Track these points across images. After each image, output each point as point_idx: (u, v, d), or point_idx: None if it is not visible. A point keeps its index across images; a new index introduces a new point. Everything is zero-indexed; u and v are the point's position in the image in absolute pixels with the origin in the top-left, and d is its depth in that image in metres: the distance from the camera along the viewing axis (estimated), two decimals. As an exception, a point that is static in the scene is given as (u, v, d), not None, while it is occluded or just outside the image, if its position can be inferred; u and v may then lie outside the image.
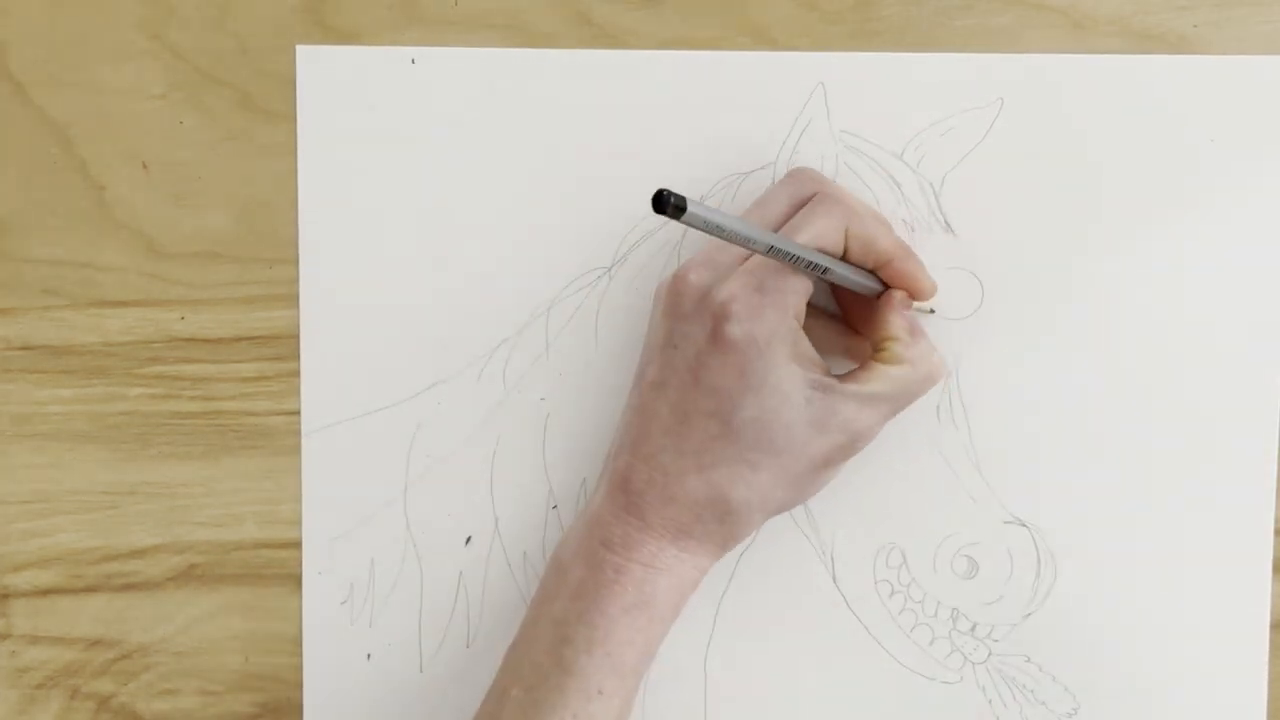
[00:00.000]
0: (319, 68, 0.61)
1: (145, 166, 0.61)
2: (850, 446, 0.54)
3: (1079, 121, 0.60)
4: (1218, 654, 0.61)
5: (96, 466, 0.62)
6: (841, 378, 0.54)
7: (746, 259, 0.54)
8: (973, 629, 0.61)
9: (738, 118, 0.60)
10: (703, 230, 0.47)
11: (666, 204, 0.45)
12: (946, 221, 0.60)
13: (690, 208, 0.46)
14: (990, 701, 0.61)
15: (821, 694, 0.62)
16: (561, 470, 0.61)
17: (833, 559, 0.61)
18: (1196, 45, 0.60)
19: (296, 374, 0.62)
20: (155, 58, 0.61)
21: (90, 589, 0.63)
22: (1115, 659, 0.61)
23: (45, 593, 0.63)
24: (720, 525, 0.54)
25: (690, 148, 0.60)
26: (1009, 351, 0.61)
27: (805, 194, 0.56)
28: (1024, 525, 0.61)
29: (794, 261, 0.52)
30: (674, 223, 0.60)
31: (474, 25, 0.61)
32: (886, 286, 0.57)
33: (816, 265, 0.53)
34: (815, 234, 0.53)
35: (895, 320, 0.56)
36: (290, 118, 0.61)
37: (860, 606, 0.61)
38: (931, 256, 0.59)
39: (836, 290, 0.59)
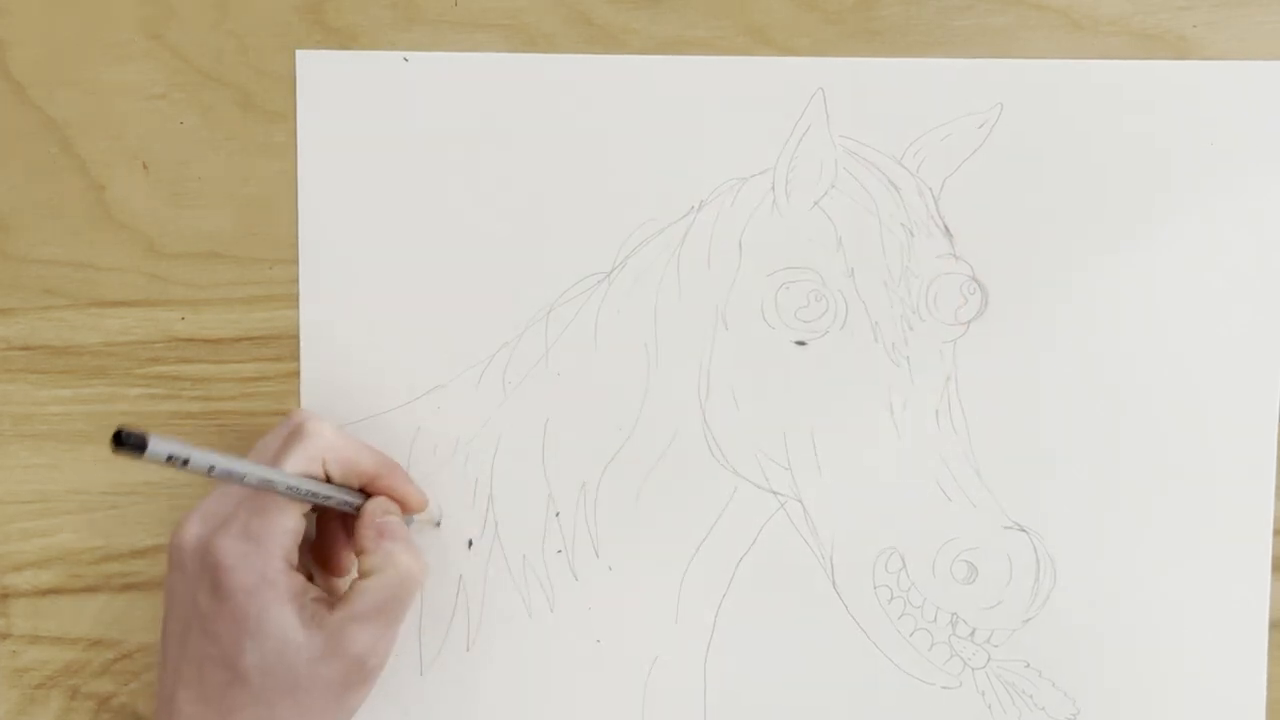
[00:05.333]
0: (319, 72, 0.60)
1: (145, 166, 0.61)
2: (361, 669, 0.54)
3: (1079, 126, 0.60)
4: (1217, 654, 0.61)
5: (96, 466, 0.62)
6: (332, 607, 0.54)
7: (243, 502, 0.55)
8: (972, 634, 0.61)
9: (737, 122, 0.60)
10: (173, 467, 0.47)
11: (125, 442, 0.43)
12: (946, 226, 0.60)
13: (152, 445, 0.44)
14: (990, 706, 0.61)
15: (820, 698, 0.62)
16: (561, 474, 0.61)
17: (832, 563, 0.61)
18: (1196, 45, 0.60)
19: (296, 374, 0.62)
20: (155, 58, 0.61)
21: (90, 589, 0.63)
22: (1114, 663, 0.61)
23: (45, 593, 0.63)
24: None
25: (690, 152, 0.60)
26: (1008, 356, 0.61)
27: (292, 433, 0.57)
28: (1023, 530, 0.61)
29: (282, 491, 0.53)
30: (674, 226, 0.61)
31: (474, 26, 0.61)
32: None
33: (302, 491, 0.54)
34: (294, 463, 0.55)
35: (362, 532, 0.56)
36: (290, 118, 0.61)
37: (859, 611, 0.61)
38: (930, 261, 0.60)
39: (344, 518, 0.59)
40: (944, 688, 0.61)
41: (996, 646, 0.61)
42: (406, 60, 0.61)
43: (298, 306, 0.62)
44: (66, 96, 0.61)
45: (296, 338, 0.62)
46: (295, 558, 0.55)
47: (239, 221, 0.61)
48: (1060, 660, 0.61)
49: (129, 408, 0.62)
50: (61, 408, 0.62)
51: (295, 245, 0.61)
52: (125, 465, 0.62)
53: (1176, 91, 0.60)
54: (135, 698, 0.63)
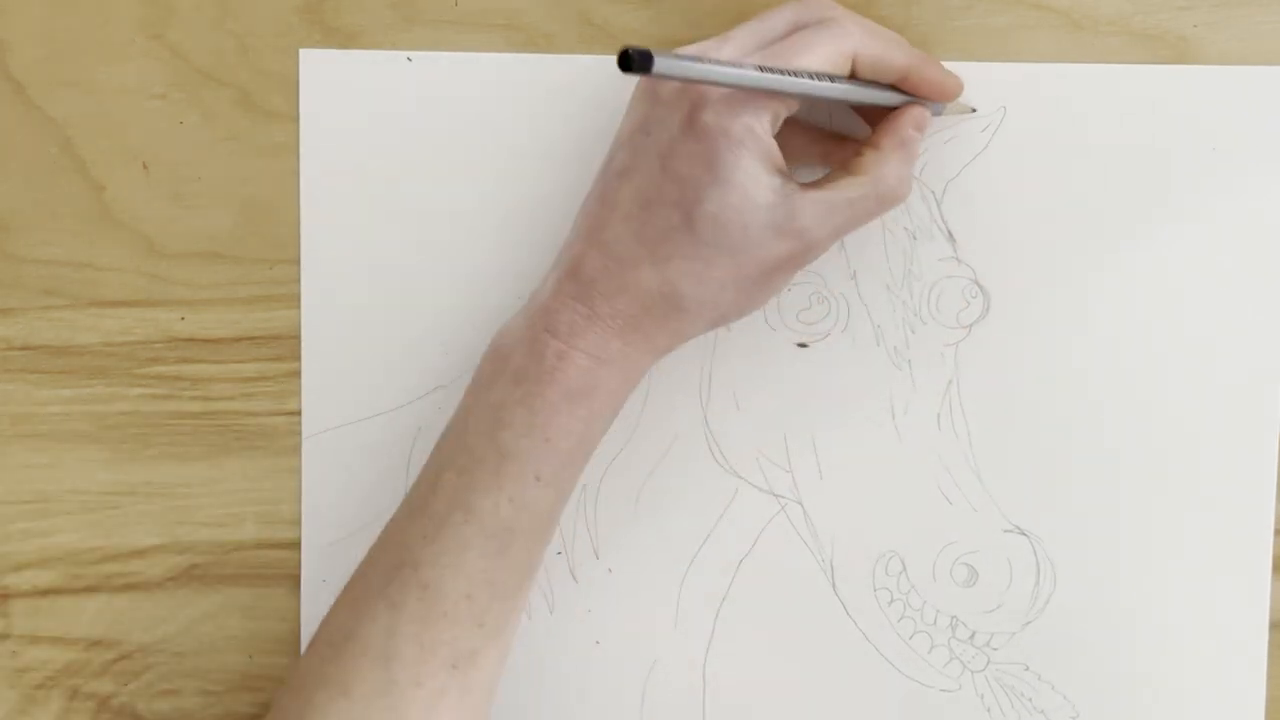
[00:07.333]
0: (322, 71, 0.60)
1: (145, 166, 0.61)
2: (803, 255, 0.53)
3: (1082, 130, 0.60)
4: (1217, 654, 0.61)
5: (96, 466, 0.62)
6: (804, 185, 0.53)
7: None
8: (971, 637, 0.61)
9: (739, 124, 0.60)
10: (683, 82, 0.45)
11: (632, 63, 0.41)
12: (948, 230, 0.60)
13: (658, 64, 0.42)
14: (989, 710, 0.61)
15: (820, 701, 0.62)
16: (562, 476, 0.61)
17: (832, 566, 0.61)
18: (1196, 45, 0.60)
19: (297, 374, 0.62)
20: (155, 58, 0.61)
21: (90, 589, 0.63)
22: (1114, 667, 0.61)
23: (45, 593, 0.63)
24: (667, 321, 0.53)
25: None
26: (1009, 360, 0.60)
27: (810, 20, 0.54)
28: (1023, 534, 0.61)
29: (812, 93, 0.51)
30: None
31: (474, 25, 0.61)
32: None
33: (834, 92, 0.52)
34: (817, 60, 0.52)
35: (885, 132, 0.55)
36: (290, 118, 0.61)
37: (859, 614, 0.61)
38: (933, 264, 0.60)
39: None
40: (943, 690, 0.61)
41: (996, 650, 0.61)
42: (410, 60, 0.60)
43: (298, 306, 0.61)
44: (66, 96, 0.61)
45: (297, 338, 0.62)
46: (779, 127, 0.52)
47: (239, 221, 0.61)
48: (1060, 663, 0.61)
49: (129, 407, 0.62)
50: (61, 408, 0.62)
51: (295, 245, 0.61)
52: (125, 465, 0.62)
53: (1179, 96, 0.60)
54: (135, 698, 0.63)
